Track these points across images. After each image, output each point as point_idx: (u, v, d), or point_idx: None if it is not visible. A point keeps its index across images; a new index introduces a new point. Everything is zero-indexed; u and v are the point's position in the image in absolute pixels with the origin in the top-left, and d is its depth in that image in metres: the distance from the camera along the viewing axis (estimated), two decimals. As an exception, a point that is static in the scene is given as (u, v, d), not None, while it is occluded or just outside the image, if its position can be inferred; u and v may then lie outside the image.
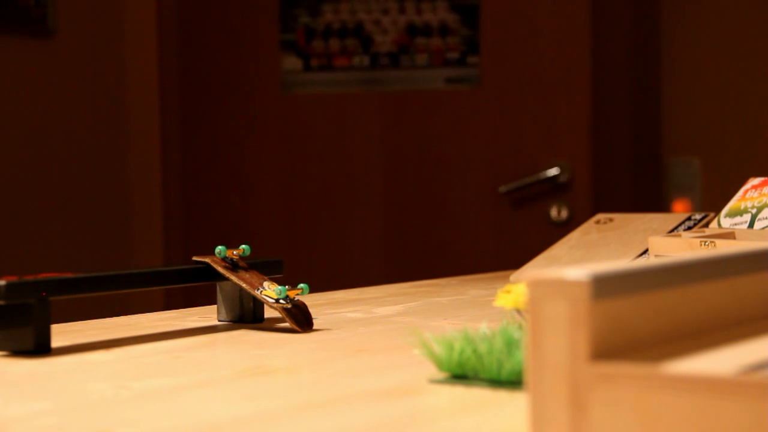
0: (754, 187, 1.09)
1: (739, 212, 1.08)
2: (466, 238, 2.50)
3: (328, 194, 2.61)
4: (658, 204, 2.73)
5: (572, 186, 2.43)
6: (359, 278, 2.54)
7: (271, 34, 2.66)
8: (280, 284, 0.88)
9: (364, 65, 2.58)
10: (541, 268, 1.22)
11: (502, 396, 0.60)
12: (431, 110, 2.53)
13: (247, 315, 0.92)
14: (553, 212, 2.44)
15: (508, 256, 2.45)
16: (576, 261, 1.24)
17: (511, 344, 0.62)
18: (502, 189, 2.43)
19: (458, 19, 2.50)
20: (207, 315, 0.98)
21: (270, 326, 0.90)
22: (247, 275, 0.89)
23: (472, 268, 2.46)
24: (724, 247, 0.81)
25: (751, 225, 1.06)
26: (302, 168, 2.64)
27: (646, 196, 2.73)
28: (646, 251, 1.17)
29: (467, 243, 2.50)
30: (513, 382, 0.61)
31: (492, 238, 2.48)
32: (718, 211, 1.14)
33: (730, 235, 1.03)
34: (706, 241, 0.94)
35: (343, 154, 2.60)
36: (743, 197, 1.09)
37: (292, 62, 2.64)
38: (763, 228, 1.04)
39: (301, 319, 0.87)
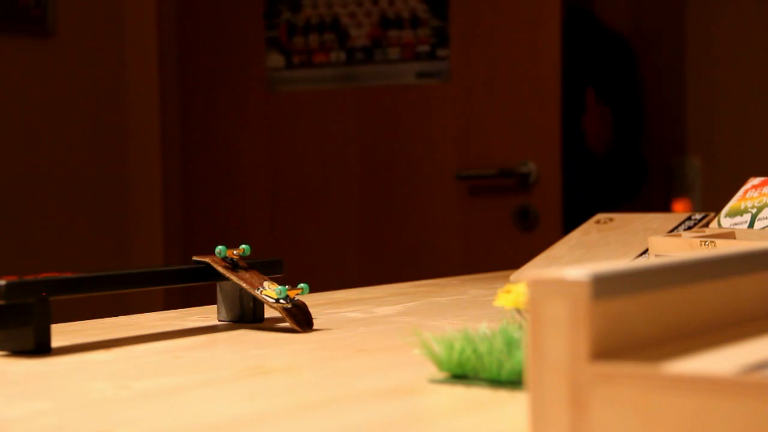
0: (754, 187, 1.09)
1: (739, 212, 1.08)
2: (431, 233, 2.51)
3: (310, 192, 2.62)
4: (643, 204, 2.73)
5: (540, 183, 2.42)
6: (337, 271, 2.55)
7: (257, 32, 2.67)
8: (280, 284, 0.88)
9: (341, 61, 2.58)
10: (541, 268, 1.22)
11: (502, 396, 0.60)
12: (403, 106, 2.53)
13: (247, 315, 0.92)
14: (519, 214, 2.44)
15: (473, 248, 2.46)
16: (576, 261, 1.24)
17: (511, 344, 0.62)
18: (461, 173, 2.44)
19: (427, 9, 2.50)
20: (207, 315, 0.98)
21: (270, 326, 0.90)
22: (247, 275, 0.89)
23: (440, 263, 2.47)
24: (724, 247, 0.81)
25: (751, 225, 1.06)
26: (287, 166, 2.65)
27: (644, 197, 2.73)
28: (646, 251, 1.17)
29: (432, 237, 2.51)
30: (513, 382, 0.61)
31: (456, 231, 2.48)
32: (718, 211, 1.14)
33: (730, 235, 1.03)
34: (706, 241, 0.94)
35: (323, 152, 2.61)
36: (743, 197, 1.09)
37: (275, 60, 2.65)
38: (763, 228, 1.04)
39: (301, 319, 0.87)
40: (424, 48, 2.51)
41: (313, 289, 1.08)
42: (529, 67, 2.38)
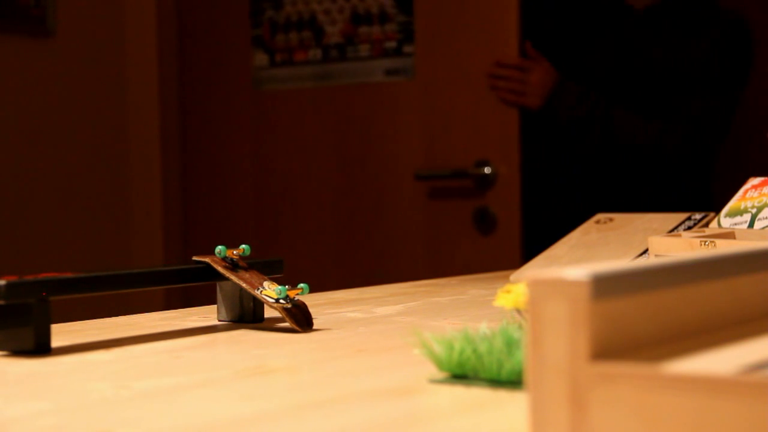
0: (754, 187, 1.09)
1: (739, 212, 1.08)
2: (397, 233, 2.50)
3: (292, 192, 2.63)
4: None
5: (498, 184, 2.39)
6: (314, 270, 2.55)
7: (244, 30, 2.67)
8: (280, 284, 0.88)
9: (318, 59, 2.58)
10: (541, 268, 1.22)
11: (502, 396, 0.60)
12: (373, 104, 2.52)
13: (247, 315, 0.92)
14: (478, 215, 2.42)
15: (435, 251, 2.45)
16: (576, 261, 1.24)
17: (511, 344, 0.62)
18: (419, 173, 2.42)
19: (394, 4, 2.48)
20: (207, 315, 0.98)
21: (270, 326, 0.90)
22: (247, 275, 0.89)
23: (406, 263, 2.47)
24: (724, 247, 0.81)
25: (751, 225, 1.06)
26: (274, 166, 2.65)
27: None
28: (646, 251, 1.17)
29: (397, 238, 2.50)
30: (513, 382, 0.61)
31: (419, 232, 2.47)
32: (718, 211, 1.14)
33: (730, 235, 1.03)
34: (706, 241, 0.94)
35: (304, 151, 2.61)
36: (743, 197, 1.09)
37: (260, 58, 2.65)
38: (763, 228, 1.04)
39: (301, 319, 0.87)
40: (392, 44, 2.49)
41: (311, 289, 1.08)
42: (488, 64, 2.35)
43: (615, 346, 0.44)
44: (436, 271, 2.13)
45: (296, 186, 2.62)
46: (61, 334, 0.85)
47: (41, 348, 0.76)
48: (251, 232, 2.67)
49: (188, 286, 0.89)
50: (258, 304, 0.92)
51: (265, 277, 0.89)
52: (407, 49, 2.47)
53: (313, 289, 0.96)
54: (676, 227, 1.24)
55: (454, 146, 2.42)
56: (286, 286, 0.87)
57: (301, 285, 0.88)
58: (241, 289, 0.90)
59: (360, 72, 2.53)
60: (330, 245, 2.58)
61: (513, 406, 0.57)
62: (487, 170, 2.37)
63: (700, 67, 2.25)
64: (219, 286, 0.93)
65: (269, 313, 0.94)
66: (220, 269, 0.88)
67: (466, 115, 2.40)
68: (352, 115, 2.55)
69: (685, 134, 2.25)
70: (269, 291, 0.87)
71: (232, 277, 0.88)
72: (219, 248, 0.89)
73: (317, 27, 2.58)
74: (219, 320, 0.93)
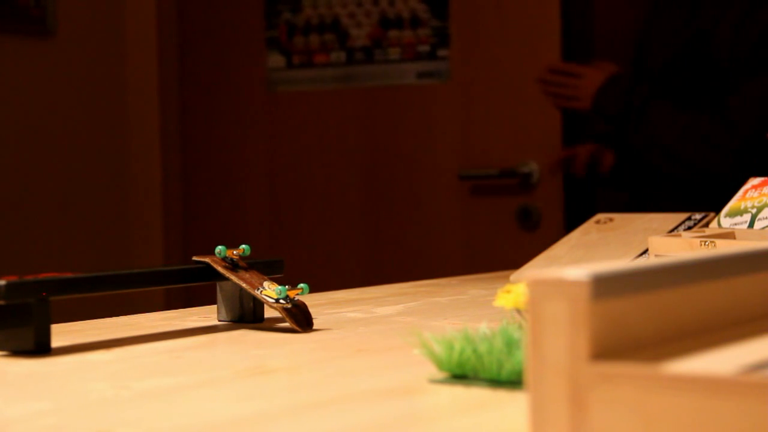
0: (754, 187, 1.09)
1: (739, 212, 1.08)
2: (432, 233, 2.51)
3: (310, 193, 2.63)
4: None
5: (542, 183, 2.42)
6: (337, 271, 2.55)
7: (257, 32, 2.67)
8: (280, 284, 0.88)
9: (341, 61, 2.58)
10: (541, 268, 1.22)
11: (502, 396, 0.60)
12: (403, 106, 2.54)
13: (247, 315, 0.92)
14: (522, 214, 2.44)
15: (475, 249, 2.46)
16: (576, 261, 1.24)
17: (511, 344, 0.62)
18: (463, 173, 2.44)
19: (427, 9, 2.50)
20: (207, 315, 0.98)
21: (270, 326, 0.90)
22: (247, 275, 0.89)
23: (442, 263, 2.47)
24: (724, 247, 0.81)
25: (751, 225, 1.06)
26: (287, 167, 2.65)
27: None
28: (646, 251, 1.17)
29: (433, 237, 2.51)
30: (513, 382, 0.61)
31: (457, 231, 2.49)
32: (718, 211, 1.14)
33: (730, 235, 1.03)
34: (706, 241, 0.94)
35: (323, 152, 2.61)
36: (743, 197, 1.09)
37: (275, 60, 2.65)
38: (763, 228, 1.04)
39: (301, 319, 0.87)
40: (425, 48, 2.52)
41: (313, 289, 1.08)
42: (530, 66, 2.38)
43: (615, 346, 0.44)
44: (476, 271, 2.14)
45: (314, 186, 2.62)
46: (61, 334, 0.85)
47: (41, 348, 0.76)
48: (264, 233, 2.67)
49: (188, 286, 0.89)
50: (258, 304, 0.92)
51: (265, 277, 0.89)
52: (442, 53, 2.49)
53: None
54: (676, 227, 1.24)
55: (495, 145, 2.44)
56: (286, 287, 0.87)
57: (301, 285, 0.88)
58: (241, 289, 0.90)
59: (388, 74, 2.55)
60: (356, 245, 2.58)
61: (513, 406, 0.57)
62: (530, 169, 2.40)
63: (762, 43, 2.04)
64: (219, 287, 0.93)
65: (269, 313, 0.94)
66: (219, 269, 0.88)
67: (505, 116, 2.43)
68: (378, 117, 2.56)
69: (732, 128, 2.03)
70: (269, 291, 0.87)
71: (232, 277, 0.88)
72: (219, 248, 0.89)
73: (341, 30, 2.58)
74: (219, 320, 0.93)
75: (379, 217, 2.56)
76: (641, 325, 0.46)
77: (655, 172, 2.17)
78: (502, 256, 2.42)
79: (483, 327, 0.66)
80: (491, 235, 2.46)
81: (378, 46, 2.55)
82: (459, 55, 2.48)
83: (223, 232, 2.72)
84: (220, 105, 2.73)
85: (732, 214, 1.08)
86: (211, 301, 0.97)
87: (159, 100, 2.76)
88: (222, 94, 2.73)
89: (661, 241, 0.97)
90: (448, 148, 2.49)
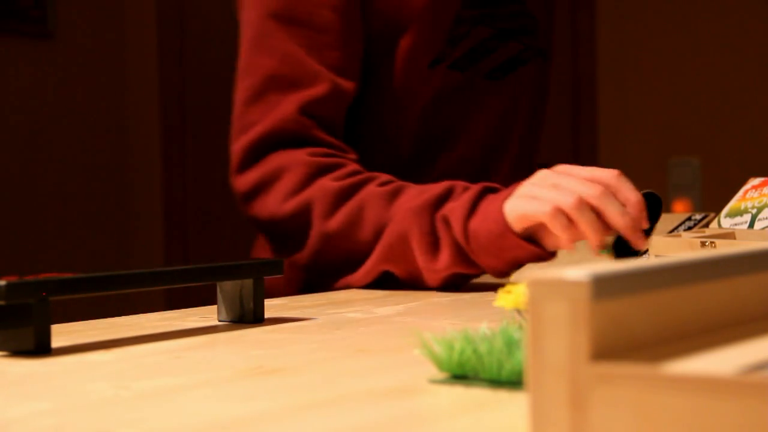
0: (754, 187, 1.09)
1: (739, 212, 1.08)
2: None
3: None
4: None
5: None
6: None
7: None
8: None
9: None
10: (541, 268, 1.22)
11: (502, 396, 0.60)
12: None
13: (247, 315, 0.92)
14: None
15: None
16: (576, 261, 1.24)
17: (511, 344, 0.62)
18: None
19: None
20: (207, 315, 0.98)
21: (270, 326, 0.90)
22: None
23: None
24: (725, 247, 0.81)
25: (751, 225, 1.06)
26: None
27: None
28: (646, 251, 1.17)
29: None
30: (513, 382, 0.61)
31: None
32: (718, 211, 1.14)
33: (730, 235, 1.03)
34: (706, 241, 0.94)
35: None
36: (743, 197, 1.09)
37: None
38: (763, 228, 1.04)
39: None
40: None
41: (314, 289, 1.08)
42: None
43: (615, 346, 0.44)
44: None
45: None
46: (61, 334, 0.85)
47: (41, 348, 0.76)
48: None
49: (188, 286, 0.89)
50: (258, 304, 0.92)
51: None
52: None
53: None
54: (676, 227, 1.24)
55: None
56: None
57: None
58: (242, 289, 0.89)
59: None
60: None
61: (513, 406, 0.57)
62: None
63: None
64: (219, 287, 0.93)
65: (269, 313, 0.94)
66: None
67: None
68: None
69: None
70: None
71: None
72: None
73: None
74: (219, 320, 0.93)
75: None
76: (641, 325, 0.46)
77: None
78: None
79: (483, 327, 0.66)
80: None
81: None
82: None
83: (223, 231, 2.72)
84: (220, 105, 2.73)
85: (732, 215, 1.08)
86: (211, 301, 0.97)
87: (159, 100, 2.76)
88: (222, 93, 2.73)
89: (661, 241, 0.97)
90: None
